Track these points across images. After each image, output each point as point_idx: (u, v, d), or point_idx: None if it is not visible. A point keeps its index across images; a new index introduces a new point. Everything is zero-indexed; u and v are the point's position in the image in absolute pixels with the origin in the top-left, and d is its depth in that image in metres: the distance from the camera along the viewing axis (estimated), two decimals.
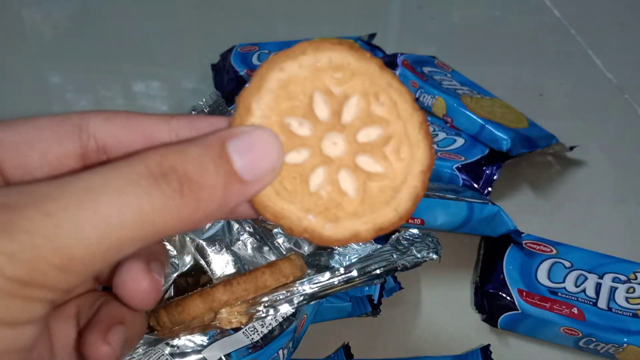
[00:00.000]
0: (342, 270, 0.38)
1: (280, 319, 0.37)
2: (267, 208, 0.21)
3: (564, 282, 0.46)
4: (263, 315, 0.36)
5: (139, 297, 0.21)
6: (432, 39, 0.83)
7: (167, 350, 0.35)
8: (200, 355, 0.35)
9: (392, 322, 0.47)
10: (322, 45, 0.22)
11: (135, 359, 0.34)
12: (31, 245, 0.16)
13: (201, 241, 0.44)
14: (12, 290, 0.16)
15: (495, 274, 0.47)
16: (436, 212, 0.50)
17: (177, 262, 0.43)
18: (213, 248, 0.44)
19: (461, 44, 0.81)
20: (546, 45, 0.82)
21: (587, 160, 0.63)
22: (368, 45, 0.71)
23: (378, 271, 0.39)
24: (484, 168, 0.56)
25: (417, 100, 0.62)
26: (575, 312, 0.45)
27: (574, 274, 0.47)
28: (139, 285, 0.21)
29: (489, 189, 0.56)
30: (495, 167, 0.56)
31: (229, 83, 0.66)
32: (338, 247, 0.43)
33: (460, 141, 0.59)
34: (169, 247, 0.44)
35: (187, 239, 0.44)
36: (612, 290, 0.46)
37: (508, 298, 0.46)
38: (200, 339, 0.35)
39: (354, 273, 0.38)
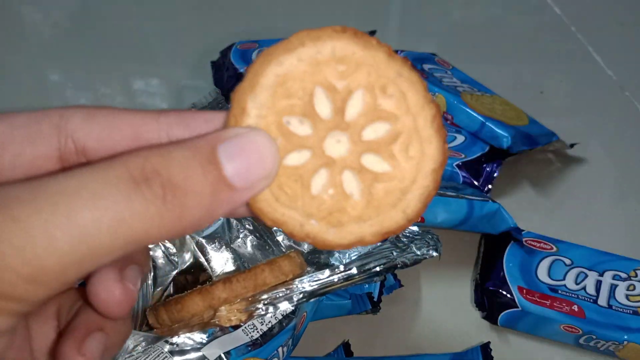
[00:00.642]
0: (341, 267, 0.38)
1: (280, 317, 0.37)
2: (266, 214, 0.20)
3: (564, 279, 0.46)
4: (263, 312, 0.36)
5: (111, 306, 0.19)
6: (433, 37, 0.83)
7: (167, 347, 0.34)
8: (200, 353, 0.35)
9: (392, 320, 0.47)
10: (323, 35, 0.20)
11: (134, 357, 0.34)
12: None
13: (201, 239, 0.44)
14: None
15: (495, 271, 0.47)
16: (436, 210, 0.50)
17: (176, 259, 0.43)
18: (213, 245, 0.44)
19: (461, 42, 0.81)
20: (547, 43, 0.82)
21: (588, 158, 0.63)
22: None
23: (378, 269, 0.39)
24: (484, 165, 0.56)
25: None
26: (576, 309, 0.45)
27: (574, 271, 0.47)
28: (111, 294, 0.19)
29: (489, 186, 0.56)
30: (495, 165, 0.56)
31: (229, 80, 0.65)
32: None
33: (460, 138, 0.59)
34: (168, 244, 0.44)
35: (187, 236, 0.44)
36: (613, 288, 0.46)
37: (508, 295, 0.46)
38: (199, 336, 0.35)
39: (354, 270, 0.38)
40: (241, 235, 0.45)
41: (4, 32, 0.81)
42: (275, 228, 0.45)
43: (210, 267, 0.44)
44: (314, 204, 0.20)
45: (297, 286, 0.37)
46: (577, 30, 0.83)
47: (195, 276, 0.44)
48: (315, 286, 0.37)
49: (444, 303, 0.49)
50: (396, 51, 0.71)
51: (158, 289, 0.43)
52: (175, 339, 0.35)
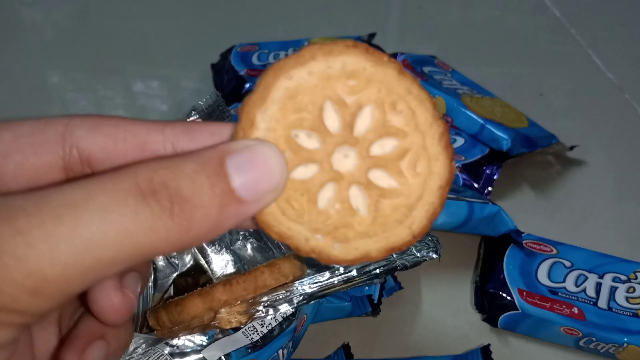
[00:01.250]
0: (341, 269, 0.38)
1: (280, 319, 0.37)
2: (272, 228, 0.20)
3: (564, 281, 0.46)
4: (263, 314, 0.36)
5: (110, 314, 0.20)
6: (432, 39, 0.83)
7: (167, 350, 0.34)
8: (200, 355, 0.35)
9: (392, 322, 0.47)
10: (335, 49, 0.20)
11: (134, 359, 0.34)
12: None
13: None
14: None
15: (495, 273, 0.47)
16: None
17: (176, 261, 0.43)
18: (213, 248, 0.44)
19: (461, 44, 0.81)
20: (546, 45, 0.82)
21: (587, 160, 0.63)
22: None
23: (378, 271, 0.39)
24: (484, 168, 0.56)
25: None
26: (576, 311, 0.45)
27: (574, 273, 0.47)
28: (110, 302, 0.19)
29: (489, 188, 0.56)
30: (495, 167, 0.56)
31: (229, 83, 0.65)
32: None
33: (460, 141, 0.59)
34: None
35: None
36: (613, 290, 0.46)
37: (508, 298, 0.46)
38: (199, 338, 0.35)
39: (354, 272, 0.38)
40: (241, 238, 0.45)
41: (4, 33, 0.81)
42: None
43: (211, 269, 0.44)
44: (320, 219, 0.20)
45: (297, 288, 0.37)
46: (577, 32, 0.83)
47: (196, 278, 0.44)
48: (316, 288, 0.37)
49: (444, 305, 0.49)
50: (396, 54, 0.71)
51: (158, 291, 0.43)
52: (175, 341, 0.35)
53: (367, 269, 0.39)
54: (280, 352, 0.37)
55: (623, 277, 0.47)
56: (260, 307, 0.36)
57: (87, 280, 0.16)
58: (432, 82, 0.63)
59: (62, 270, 0.16)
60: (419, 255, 0.41)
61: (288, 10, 0.87)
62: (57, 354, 0.21)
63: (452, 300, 0.50)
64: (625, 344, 0.43)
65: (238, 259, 0.44)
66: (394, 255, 0.40)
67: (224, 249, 0.44)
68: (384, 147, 0.20)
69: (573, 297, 0.45)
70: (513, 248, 0.49)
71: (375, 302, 0.45)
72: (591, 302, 0.45)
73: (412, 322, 0.48)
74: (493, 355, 0.43)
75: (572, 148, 0.62)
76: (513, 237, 0.49)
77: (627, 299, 0.45)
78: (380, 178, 0.20)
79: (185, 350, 0.35)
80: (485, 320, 0.48)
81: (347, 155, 0.20)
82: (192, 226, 0.17)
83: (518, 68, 0.78)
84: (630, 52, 0.80)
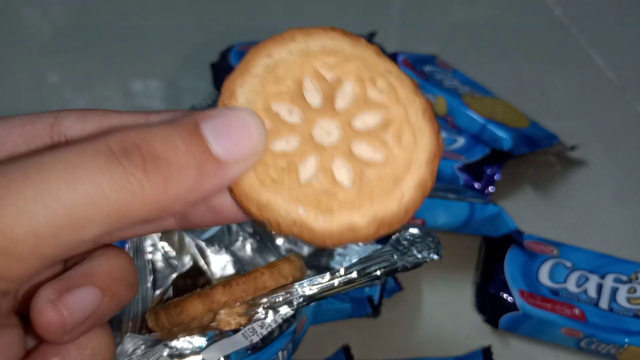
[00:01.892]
0: (342, 271, 0.38)
1: (280, 320, 0.37)
2: (250, 199, 0.19)
3: (565, 282, 0.46)
4: (262, 316, 0.36)
5: (38, 328, 0.18)
6: (433, 38, 0.83)
7: (166, 351, 0.34)
8: (199, 357, 0.34)
9: (393, 324, 0.47)
10: (314, 32, 0.20)
11: None
12: None
13: (200, 242, 0.44)
14: None
15: (496, 274, 0.47)
16: (437, 212, 0.50)
17: (176, 262, 0.43)
18: (212, 249, 0.44)
19: (462, 43, 0.81)
20: (547, 45, 0.82)
21: (589, 160, 0.63)
22: None
23: (378, 272, 0.39)
24: (486, 168, 0.56)
25: None
26: (577, 312, 0.44)
27: (576, 274, 0.47)
28: (39, 314, 0.18)
29: (490, 188, 0.56)
30: (496, 167, 0.56)
31: None
32: (336, 247, 0.43)
33: (461, 141, 0.59)
34: (168, 248, 0.43)
35: (187, 239, 0.44)
36: (614, 291, 0.46)
37: (509, 299, 0.45)
38: (199, 340, 0.35)
39: (354, 274, 0.38)
40: (241, 239, 0.44)
41: (2, 33, 0.80)
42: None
43: (210, 271, 0.43)
44: (302, 191, 0.19)
45: (297, 290, 0.37)
46: (578, 32, 0.83)
47: (195, 279, 0.43)
48: (316, 290, 0.37)
49: (445, 306, 0.49)
50: (396, 53, 0.71)
51: (157, 292, 0.42)
52: (174, 343, 0.35)
53: (367, 271, 0.38)
54: (280, 353, 0.37)
55: (624, 278, 0.46)
56: (260, 309, 0.36)
57: (61, 241, 0.16)
58: (433, 81, 0.63)
59: (32, 230, 0.15)
60: (419, 256, 0.41)
61: (288, 9, 0.87)
62: None
63: (453, 301, 0.49)
64: (626, 345, 0.43)
65: (237, 260, 0.44)
66: (395, 257, 0.40)
67: (224, 250, 0.44)
68: (366, 120, 0.20)
69: (574, 298, 0.45)
70: (514, 249, 0.48)
71: (376, 303, 0.45)
72: (592, 303, 0.45)
73: (412, 324, 0.48)
74: (494, 357, 0.43)
75: (573, 148, 0.62)
76: (514, 238, 0.49)
77: (628, 299, 0.45)
78: (364, 150, 0.20)
79: (185, 352, 0.34)
80: (486, 321, 0.47)
81: (329, 128, 0.20)
82: (169, 184, 0.17)
83: (519, 67, 0.77)
84: (632, 52, 0.80)
